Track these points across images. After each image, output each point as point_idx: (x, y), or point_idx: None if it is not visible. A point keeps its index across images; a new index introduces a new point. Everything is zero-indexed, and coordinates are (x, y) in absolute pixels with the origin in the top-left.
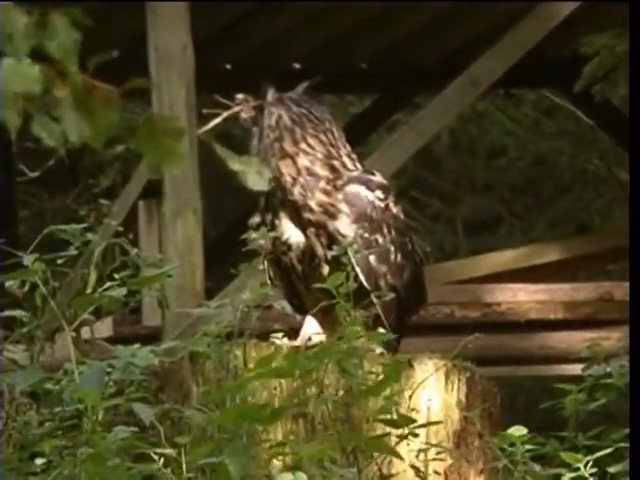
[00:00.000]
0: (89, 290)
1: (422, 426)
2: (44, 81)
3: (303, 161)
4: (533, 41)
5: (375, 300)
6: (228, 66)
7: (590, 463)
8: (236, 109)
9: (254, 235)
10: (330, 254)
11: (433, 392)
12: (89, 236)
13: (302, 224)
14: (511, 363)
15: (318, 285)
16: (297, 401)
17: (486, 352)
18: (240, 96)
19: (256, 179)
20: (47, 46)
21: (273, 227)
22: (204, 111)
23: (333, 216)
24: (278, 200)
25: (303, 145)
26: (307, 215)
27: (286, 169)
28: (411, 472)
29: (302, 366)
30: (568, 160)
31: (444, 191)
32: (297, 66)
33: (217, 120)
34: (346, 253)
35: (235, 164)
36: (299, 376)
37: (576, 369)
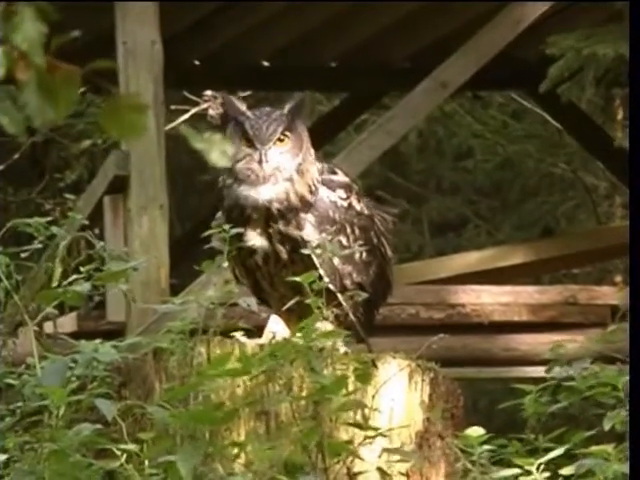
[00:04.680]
0: (54, 284)
1: (384, 430)
2: (6, 64)
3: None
4: (501, 43)
5: (342, 298)
6: (197, 62)
7: (542, 466)
8: (204, 105)
9: (216, 237)
10: (303, 252)
11: (396, 392)
12: (53, 230)
13: (266, 232)
14: (475, 364)
15: (288, 278)
16: (260, 399)
17: (450, 353)
18: (209, 92)
19: (219, 157)
20: (13, 38)
21: (237, 234)
22: (172, 107)
23: (299, 226)
24: (239, 211)
25: None
26: (277, 226)
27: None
28: (375, 471)
29: (264, 364)
30: (535, 163)
31: (411, 192)
32: (266, 63)
33: (185, 116)
34: (315, 254)
35: (198, 143)
36: (262, 373)
37: (539, 371)
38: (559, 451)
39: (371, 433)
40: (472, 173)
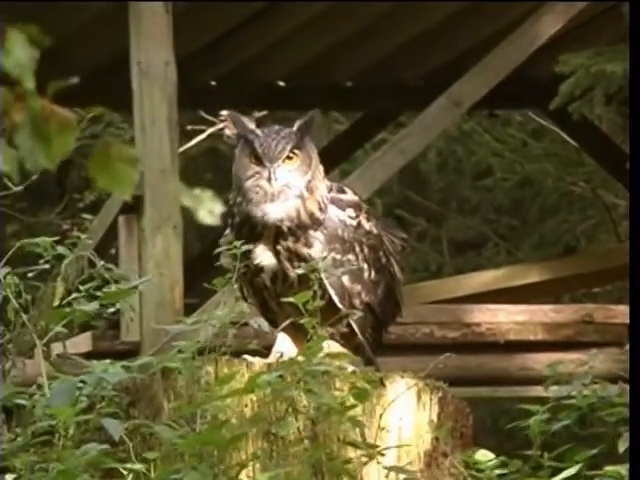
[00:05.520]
0: (58, 304)
1: (391, 447)
2: (2, 104)
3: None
4: (516, 62)
5: (349, 318)
6: (213, 82)
7: None
8: (220, 125)
9: (225, 255)
10: (298, 271)
11: (405, 411)
12: (60, 249)
13: (275, 249)
14: (490, 384)
15: (286, 299)
16: (266, 419)
17: (465, 372)
18: (225, 113)
19: (206, 215)
20: (3, 64)
21: (245, 250)
22: (189, 127)
23: (308, 244)
24: (248, 229)
25: None
26: (287, 243)
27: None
28: None
29: (270, 384)
30: (554, 182)
31: (430, 210)
32: (281, 83)
33: (202, 136)
34: (315, 272)
35: (186, 199)
36: (270, 393)
37: (555, 391)
38: (571, 471)
39: (372, 452)
40: (491, 192)
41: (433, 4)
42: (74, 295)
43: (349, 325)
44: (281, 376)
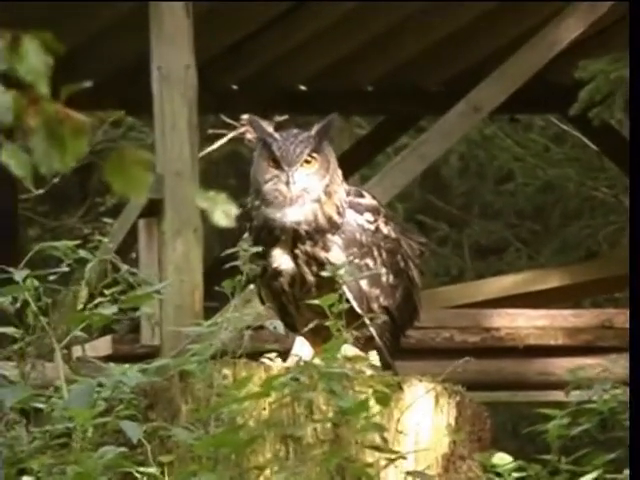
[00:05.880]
0: (81, 307)
1: (410, 452)
2: (16, 109)
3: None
4: (536, 67)
5: (368, 321)
6: (234, 86)
7: None
8: (242, 130)
9: (243, 259)
10: (323, 274)
11: (422, 415)
12: (81, 253)
13: (293, 253)
14: (510, 388)
15: (308, 301)
16: (283, 422)
17: (485, 377)
18: (246, 117)
19: (222, 217)
20: (17, 70)
21: (264, 254)
22: (210, 131)
23: (326, 248)
24: (267, 232)
25: None
26: (305, 247)
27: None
28: None
29: (287, 387)
30: (575, 187)
31: (452, 215)
32: (303, 88)
33: (223, 140)
34: (337, 276)
35: (201, 201)
36: (286, 396)
37: (575, 395)
38: (591, 476)
39: (392, 456)
40: (513, 196)
41: (455, 9)
42: (98, 300)
43: (366, 328)
44: (297, 378)
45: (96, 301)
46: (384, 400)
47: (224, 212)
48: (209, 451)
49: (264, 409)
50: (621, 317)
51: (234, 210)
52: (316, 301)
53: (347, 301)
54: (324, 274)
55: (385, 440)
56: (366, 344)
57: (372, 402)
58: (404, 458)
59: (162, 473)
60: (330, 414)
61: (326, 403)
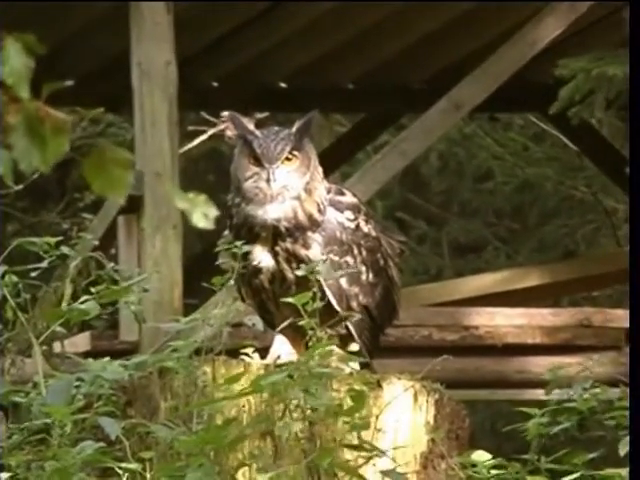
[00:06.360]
0: (64, 304)
1: (388, 450)
2: None
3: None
4: (516, 65)
5: (345, 319)
6: (214, 83)
7: None
8: (222, 127)
9: (223, 255)
10: (298, 273)
11: (401, 413)
12: (63, 249)
13: (273, 250)
14: (488, 387)
15: (285, 300)
16: (264, 419)
17: (463, 375)
18: (226, 114)
19: (200, 218)
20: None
21: (244, 252)
22: (190, 128)
23: (306, 245)
24: (247, 229)
25: None
26: (285, 245)
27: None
28: None
29: (269, 385)
30: (554, 186)
31: (430, 213)
32: (283, 85)
33: (203, 137)
34: (313, 274)
35: (181, 202)
36: (267, 394)
37: (553, 394)
38: (574, 476)
39: (368, 454)
40: (492, 195)
41: (436, 7)
42: (83, 297)
43: (346, 327)
44: (290, 376)
45: (82, 299)
46: (359, 398)
47: (203, 213)
48: (193, 448)
49: (243, 407)
50: (599, 316)
51: (213, 211)
52: (291, 300)
53: (326, 299)
54: (299, 273)
55: (361, 438)
56: (345, 343)
57: (349, 401)
58: (379, 457)
59: (144, 469)
60: (308, 412)
61: (304, 401)
